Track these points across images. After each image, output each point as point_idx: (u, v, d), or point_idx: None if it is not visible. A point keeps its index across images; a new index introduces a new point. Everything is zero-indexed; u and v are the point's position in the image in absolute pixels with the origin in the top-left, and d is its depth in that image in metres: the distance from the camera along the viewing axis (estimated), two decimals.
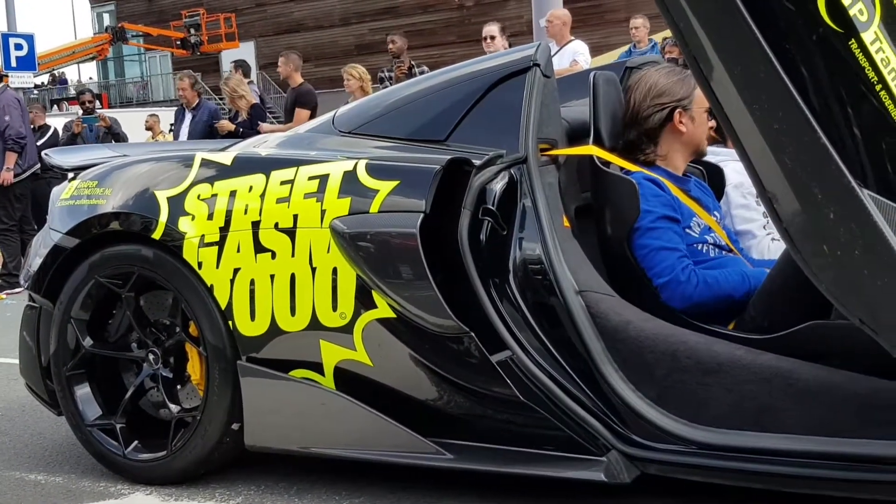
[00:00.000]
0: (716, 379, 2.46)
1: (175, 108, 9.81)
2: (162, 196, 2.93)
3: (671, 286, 2.66)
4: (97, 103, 17.33)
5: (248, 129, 8.12)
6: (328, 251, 2.68)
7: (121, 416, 3.04)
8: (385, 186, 2.64)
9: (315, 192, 2.72)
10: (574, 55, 7.98)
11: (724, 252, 2.80)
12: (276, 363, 2.80)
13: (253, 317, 2.79)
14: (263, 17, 29.83)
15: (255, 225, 2.78)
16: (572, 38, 8.22)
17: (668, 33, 10.58)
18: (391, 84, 8.87)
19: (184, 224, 2.87)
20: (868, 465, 2.26)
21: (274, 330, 2.77)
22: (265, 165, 2.85)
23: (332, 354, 2.72)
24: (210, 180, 2.89)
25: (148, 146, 5.04)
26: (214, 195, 2.86)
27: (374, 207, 2.63)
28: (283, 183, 2.78)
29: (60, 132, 11.16)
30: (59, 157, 3.46)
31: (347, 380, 2.72)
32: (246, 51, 26.53)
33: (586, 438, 2.51)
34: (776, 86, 1.62)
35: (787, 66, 1.63)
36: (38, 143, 10.11)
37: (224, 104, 11.64)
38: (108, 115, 12.78)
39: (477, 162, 2.64)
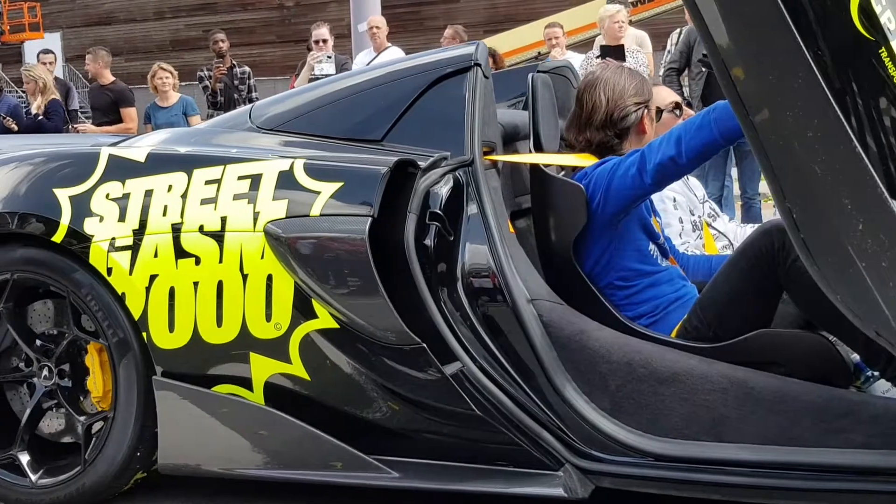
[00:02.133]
0: (671, 389, 2.42)
1: None
2: (63, 195, 2.64)
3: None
4: None
5: (33, 122, 7.82)
6: (262, 257, 2.48)
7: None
8: (327, 188, 2.47)
9: (246, 193, 2.52)
10: None
11: (667, 261, 2.78)
12: (196, 378, 2.58)
13: (172, 328, 2.55)
14: (71, 7, 28.26)
15: (176, 228, 2.54)
16: (389, 44, 8.46)
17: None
18: (210, 84, 8.60)
19: (90, 226, 2.59)
20: (826, 475, 2.28)
21: (196, 342, 2.54)
22: (186, 163, 2.62)
23: (263, 368, 2.52)
24: (121, 178, 2.63)
25: (19, 139, 4.60)
26: (126, 195, 2.60)
27: (316, 210, 2.46)
28: (208, 182, 2.56)
29: None
30: None
31: (280, 395, 2.53)
32: (52, 42, 25.00)
33: (541, 452, 2.43)
34: (814, 93, 1.59)
35: (824, 74, 1.60)
36: None
37: (25, 96, 10.88)
38: None
39: (422, 164, 2.51)
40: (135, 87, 10.06)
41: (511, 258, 2.51)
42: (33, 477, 2.69)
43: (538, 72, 3.04)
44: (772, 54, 1.60)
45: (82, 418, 2.71)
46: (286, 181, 2.51)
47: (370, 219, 2.40)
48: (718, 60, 1.64)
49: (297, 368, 2.50)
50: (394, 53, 8.32)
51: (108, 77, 8.30)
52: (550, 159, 2.73)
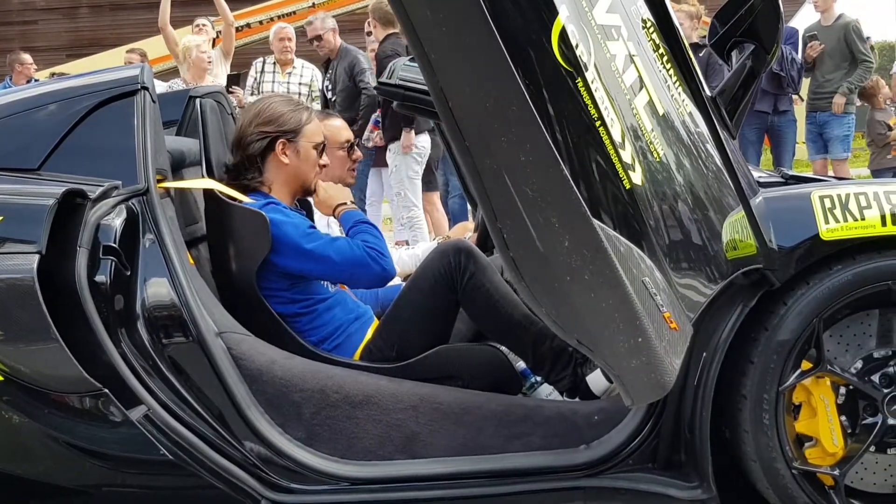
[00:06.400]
0: (364, 411, 2.45)
1: None
2: None
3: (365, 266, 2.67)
4: None
5: None
6: None
7: None
8: None
9: None
10: None
11: (336, 286, 2.81)
12: None
13: None
14: None
15: None
16: None
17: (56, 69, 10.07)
18: None
19: None
20: (511, 478, 2.42)
21: None
22: None
23: None
24: None
25: None
26: None
27: None
28: None
29: None
30: None
31: None
32: None
33: (237, 492, 2.33)
34: (525, 120, 1.69)
35: (534, 102, 1.70)
36: None
37: None
38: None
39: (92, 194, 2.32)
40: None
41: (195, 291, 2.39)
42: None
43: (192, 97, 2.95)
44: (488, 83, 1.68)
45: None
46: None
47: (38, 255, 2.17)
48: (437, 88, 1.70)
49: None
50: None
51: None
52: (225, 187, 2.65)
